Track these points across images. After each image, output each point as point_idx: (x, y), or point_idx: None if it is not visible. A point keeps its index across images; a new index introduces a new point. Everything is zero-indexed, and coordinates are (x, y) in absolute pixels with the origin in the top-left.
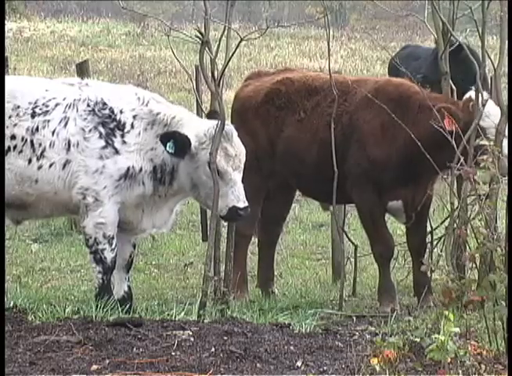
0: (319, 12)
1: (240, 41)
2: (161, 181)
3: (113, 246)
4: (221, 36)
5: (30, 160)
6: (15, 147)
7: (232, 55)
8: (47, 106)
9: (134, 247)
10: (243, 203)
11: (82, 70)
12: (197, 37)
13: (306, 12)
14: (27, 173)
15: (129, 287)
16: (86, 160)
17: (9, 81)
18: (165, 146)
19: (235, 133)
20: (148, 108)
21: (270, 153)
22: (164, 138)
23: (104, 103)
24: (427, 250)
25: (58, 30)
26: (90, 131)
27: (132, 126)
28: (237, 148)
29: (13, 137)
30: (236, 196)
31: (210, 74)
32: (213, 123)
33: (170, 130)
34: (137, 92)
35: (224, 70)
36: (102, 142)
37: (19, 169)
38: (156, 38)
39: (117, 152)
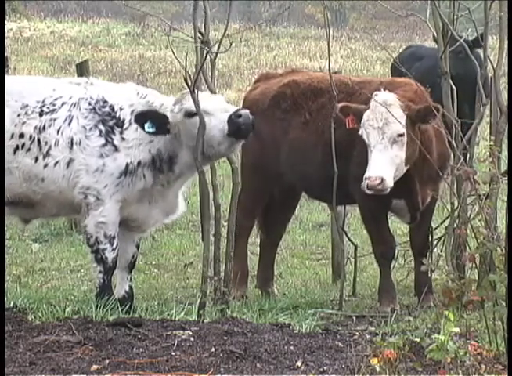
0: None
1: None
2: (160, 170)
3: (114, 246)
4: (222, 36)
5: (36, 159)
6: (23, 145)
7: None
8: (54, 105)
9: (137, 247)
10: (234, 108)
11: (82, 70)
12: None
13: (306, 12)
14: (34, 171)
15: (130, 287)
16: (87, 159)
17: (17, 80)
18: (143, 128)
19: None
20: (145, 100)
21: (276, 155)
22: (139, 119)
23: (105, 101)
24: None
25: (58, 30)
26: (91, 129)
27: (130, 122)
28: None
29: (22, 135)
30: (223, 110)
31: (210, 74)
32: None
33: (141, 110)
34: (137, 88)
35: (197, 77)
36: (102, 140)
37: (27, 167)
38: (156, 38)
39: (116, 149)
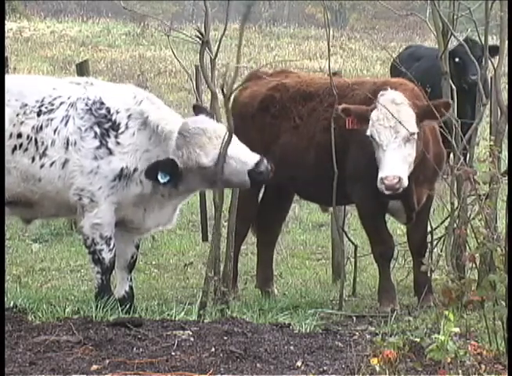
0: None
1: None
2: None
3: (111, 246)
4: (222, 36)
5: (33, 159)
6: (21, 145)
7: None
8: (52, 105)
9: (137, 248)
10: (253, 159)
11: (82, 70)
12: (197, 37)
13: (306, 12)
14: (31, 171)
15: (131, 287)
16: (81, 161)
17: (18, 79)
18: (157, 181)
19: (206, 123)
20: (140, 108)
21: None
22: (150, 175)
23: (101, 103)
24: (427, 250)
25: (58, 30)
26: (86, 130)
27: (127, 126)
28: (216, 128)
29: (20, 135)
30: (244, 159)
31: (210, 74)
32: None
33: (149, 165)
34: (134, 91)
35: (232, 91)
36: (97, 143)
37: (24, 167)
38: (156, 38)
39: (110, 153)
